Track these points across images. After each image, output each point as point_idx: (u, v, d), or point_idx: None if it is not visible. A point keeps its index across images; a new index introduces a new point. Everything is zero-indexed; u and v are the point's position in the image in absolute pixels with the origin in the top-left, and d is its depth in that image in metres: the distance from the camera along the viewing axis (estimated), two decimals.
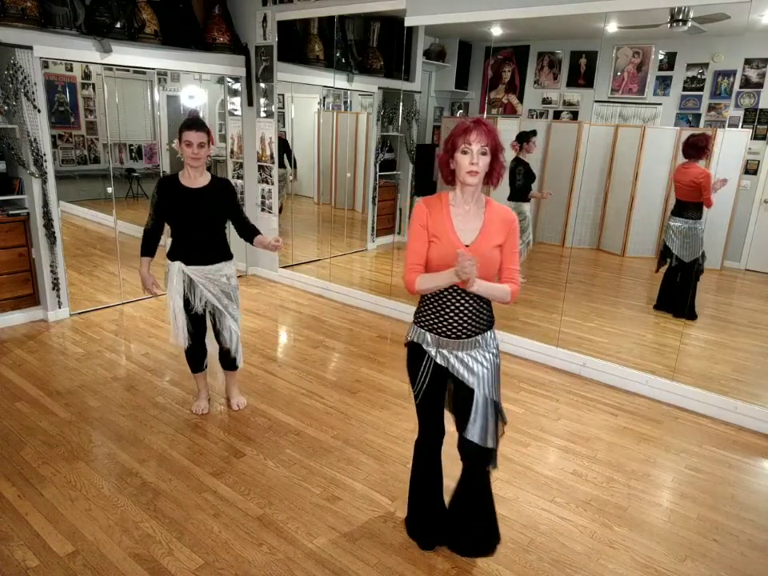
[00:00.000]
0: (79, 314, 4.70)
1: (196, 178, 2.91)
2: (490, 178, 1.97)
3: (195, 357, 3.21)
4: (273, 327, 4.72)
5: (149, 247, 3.04)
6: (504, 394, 3.61)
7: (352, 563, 2.21)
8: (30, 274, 4.41)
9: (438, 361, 2.05)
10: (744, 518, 2.59)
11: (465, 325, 2.01)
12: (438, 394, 2.15)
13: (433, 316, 2.04)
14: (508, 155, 5.08)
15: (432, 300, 2.04)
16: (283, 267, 5.92)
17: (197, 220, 2.90)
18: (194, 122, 2.83)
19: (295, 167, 5.96)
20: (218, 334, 3.14)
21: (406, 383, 3.73)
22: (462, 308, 2.00)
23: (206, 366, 3.28)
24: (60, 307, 4.56)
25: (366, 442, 3.05)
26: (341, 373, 3.89)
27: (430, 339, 2.06)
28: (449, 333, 2.02)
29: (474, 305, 2.00)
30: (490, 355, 2.06)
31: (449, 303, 2.00)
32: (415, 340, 2.10)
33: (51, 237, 4.36)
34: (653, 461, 3.01)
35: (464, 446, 2.12)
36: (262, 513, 2.48)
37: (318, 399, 3.50)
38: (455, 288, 1.97)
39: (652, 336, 4.56)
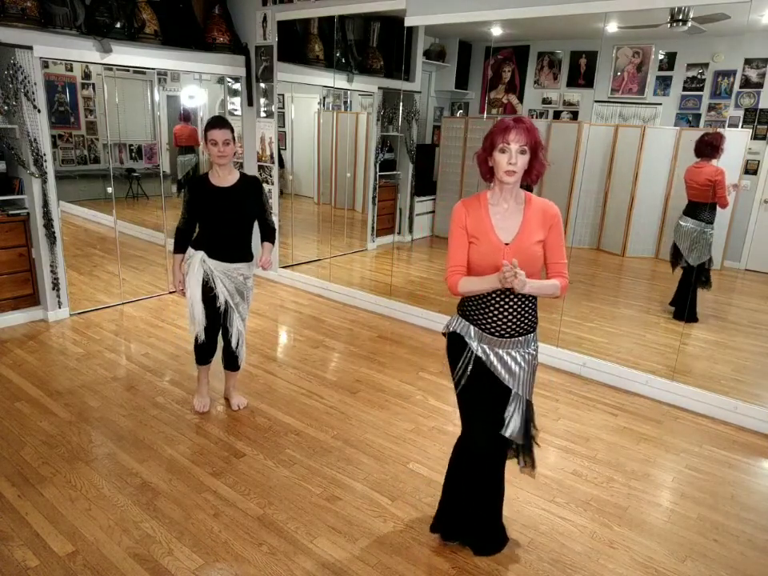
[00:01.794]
0: (79, 313, 4.70)
1: (225, 177, 2.93)
2: (529, 175, 1.96)
3: (205, 350, 3.20)
4: (273, 327, 4.72)
5: (181, 245, 3.06)
6: None
7: (352, 563, 2.21)
8: (30, 274, 4.41)
9: (479, 354, 2.04)
10: (744, 517, 2.59)
11: (510, 324, 2.00)
12: (482, 386, 2.08)
13: (478, 311, 2.03)
14: None
15: (476, 298, 2.03)
16: (283, 267, 5.92)
17: (226, 218, 2.93)
18: (217, 121, 2.86)
19: (282, 167, 5.95)
20: (224, 331, 3.15)
21: (406, 383, 3.75)
22: (507, 307, 1.99)
23: (211, 360, 3.28)
24: (60, 307, 4.56)
25: (366, 442, 3.05)
26: (341, 373, 3.89)
27: (473, 333, 2.05)
28: (492, 330, 2.01)
29: (520, 306, 1.99)
30: (529, 356, 2.05)
31: (494, 302, 1.99)
32: (458, 331, 2.08)
33: (51, 237, 4.36)
34: (653, 461, 3.01)
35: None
36: (262, 513, 2.48)
37: (318, 399, 3.50)
38: (501, 288, 1.95)
39: (652, 336, 4.56)
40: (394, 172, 6.34)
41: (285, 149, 5.88)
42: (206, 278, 2.99)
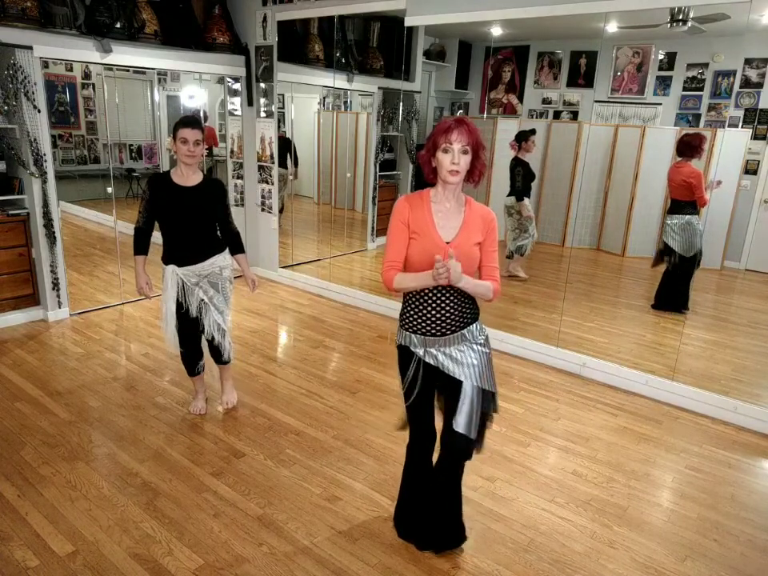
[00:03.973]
0: (79, 313, 4.70)
1: (188, 176, 2.90)
2: (472, 175, 1.98)
3: (190, 360, 3.20)
4: (273, 327, 4.72)
5: (141, 245, 3.01)
6: (503, 393, 3.61)
7: (352, 563, 2.21)
8: (30, 274, 4.41)
9: (428, 360, 2.06)
10: (744, 517, 2.59)
11: (448, 321, 2.02)
12: (428, 396, 2.15)
13: (415, 316, 2.05)
14: (508, 154, 5.07)
15: (413, 300, 2.05)
16: (283, 267, 5.92)
17: (187, 218, 2.90)
18: (189, 120, 2.84)
19: (296, 166, 5.96)
20: (201, 326, 3.10)
21: None
22: (443, 305, 2.00)
23: (202, 370, 3.27)
24: (60, 307, 4.56)
25: (366, 442, 3.05)
26: (341, 373, 3.89)
27: (416, 341, 2.06)
28: (433, 331, 2.03)
29: (455, 300, 2.01)
30: (478, 346, 2.07)
31: (430, 302, 2.01)
32: (403, 343, 2.11)
33: (51, 237, 4.36)
34: (653, 461, 3.01)
35: (447, 436, 2.11)
36: (262, 513, 2.48)
37: (318, 399, 3.50)
38: (435, 286, 1.97)
39: (652, 336, 4.56)
40: (394, 172, 6.34)
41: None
42: (179, 293, 2.97)
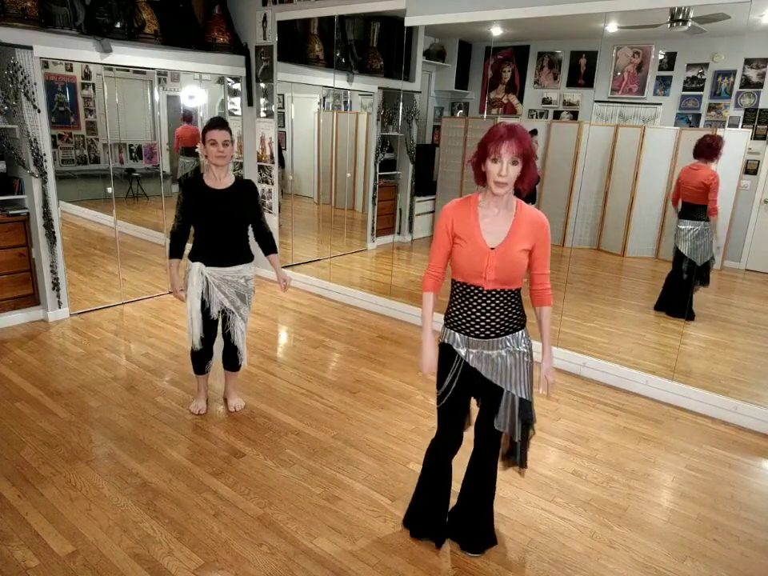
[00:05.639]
0: (79, 313, 4.70)
1: (221, 179, 2.93)
2: (522, 183, 1.96)
3: (201, 360, 3.21)
4: (273, 327, 4.73)
5: (176, 249, 3.04)
6: None
7: (352, 563, 2.21)
8: (30, 274, 4.41)
9: (469, 360, 2.05)
10: (744, 517, 2.59)
11: (493, 324, 2.01)
12: (463, 399, 2.14)
13: (460, 316, 2.05)
14: None
15: (459, 300, 2.05)
16: (283, 267, 5.87)
17: (221, 221, 2.92)
18: (217, 122, 2.88)
19: (282, 167, 5.95)
20: (224, 331, 3.15)
21: (406, 383, 3.75)
22: (488, 308, 2.00)
23: (209, 369, 3.28)
24: (60, 307, 4.56)
25: (366, 442, 3.05)
26: (341, 373, 3.89)
27: (459, 339, 2.06)
28: (477, 333, 2.02)
29: (502, 305, 2.00)
30: (520, 355, 2.05)
31: (475, 303, 2.00)
32: (446, 341, 2.10)
33: (51, 237, 4.36)
34: (653, 461, 3.01)
35: (482, 428, 2.15)
36: (262, 513, 2.48)
37: (318, 399, 3.50)
38: (481, 289, 1.98)
39: (652, 336, 4.56)
40: (394, 172, 6.34)
41: (285, 149, 5.88)
42: (204, 291, 2.98)
